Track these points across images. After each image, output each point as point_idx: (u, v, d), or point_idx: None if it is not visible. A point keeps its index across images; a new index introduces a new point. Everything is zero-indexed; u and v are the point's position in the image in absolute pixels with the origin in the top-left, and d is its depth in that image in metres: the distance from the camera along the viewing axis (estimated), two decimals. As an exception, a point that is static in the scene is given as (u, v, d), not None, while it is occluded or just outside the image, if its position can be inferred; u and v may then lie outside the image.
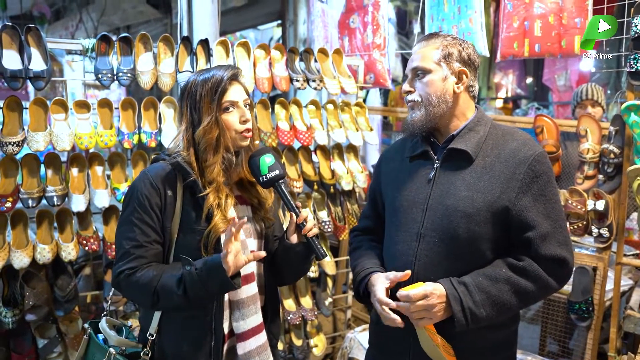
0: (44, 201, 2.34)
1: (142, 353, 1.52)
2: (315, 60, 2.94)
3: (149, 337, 1.53)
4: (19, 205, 2.31)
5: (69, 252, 2.35)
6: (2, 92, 5.02)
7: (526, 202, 1.42)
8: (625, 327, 2.34)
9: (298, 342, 2.95)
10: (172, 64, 2.58)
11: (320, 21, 4.24)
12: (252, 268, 1.56)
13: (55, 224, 2.47)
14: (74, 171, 2.48)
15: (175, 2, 4.52)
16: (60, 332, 2.49)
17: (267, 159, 1.54)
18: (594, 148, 2.46)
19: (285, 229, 1.63)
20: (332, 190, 3.01)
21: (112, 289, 1.65)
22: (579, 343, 2.65)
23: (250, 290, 1.54)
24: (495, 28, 4.24)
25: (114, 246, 2.40)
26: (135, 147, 2.58)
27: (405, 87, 1.54)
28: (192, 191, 1.51)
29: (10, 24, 2.30)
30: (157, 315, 1.53)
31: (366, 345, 1.82)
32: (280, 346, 2.87)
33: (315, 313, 2.92)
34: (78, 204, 2.36)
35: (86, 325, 1.63)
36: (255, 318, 1.55)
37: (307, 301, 2.93)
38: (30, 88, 5.06)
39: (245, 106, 1.55)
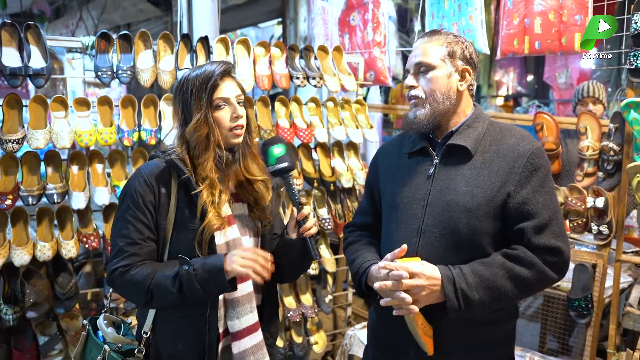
0: (44, 199, 2.35)
1: (135, 350, 1.51)
2: (316, 58, 2.94)
3: (144, 335, 1.52)
4: (19, 202, 2.31)
5: (69, 249, 2.35)
6: (2, 89, 5.03)
7: (525, 194, 1.42)
8: (624, 324, 2.35)
9: (298, 340, 2.95)
10: (172, 61, 2.58)
11: (321, 19, 4.24)
12: None
13: (56, 222, 2.47)
14: (74, 169, 2.48)
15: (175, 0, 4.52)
16: (61, 330, 2.50)
17: (276, 150, 1.51)
18: (594, 145, 2.46)
19: (285, 224, 1.62)
20: (332, 187, 3.01)
21: (112, 286, 1.66)
22: (579, 340, 2.66)
23: (245, 289, 1.53)
24: (495, 25, 4.25)
25: (113, 244, 2.40)
26: (135, 145, 2.58)
27: (410, 81, 1.51)
28: (186, 188, 1.49)
29: (9, 21, 2.30)
30: (151, 313, 1.53)
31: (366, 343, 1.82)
32: (280, 343, 2.88)
33: (316, 310, 2.92)
34: (78, 201, 2.37)
35: (85, 322, 1.62)
36: (250, 317, 1.53)
37: (307, 298, 2.93)
38: (31, 86, 5.06)
39: (239, 102, 1.51)
